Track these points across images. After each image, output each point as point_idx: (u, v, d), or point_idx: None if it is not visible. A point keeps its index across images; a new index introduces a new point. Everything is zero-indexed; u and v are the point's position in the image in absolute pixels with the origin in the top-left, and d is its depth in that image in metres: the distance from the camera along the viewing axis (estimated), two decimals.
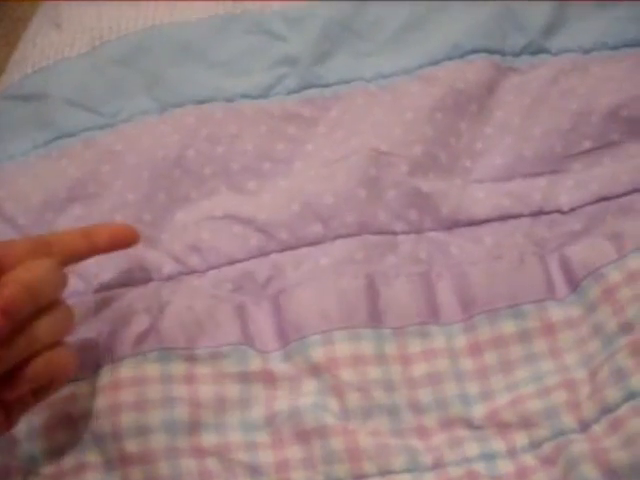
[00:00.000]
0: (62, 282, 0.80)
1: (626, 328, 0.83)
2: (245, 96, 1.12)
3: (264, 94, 1.12)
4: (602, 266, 0.88)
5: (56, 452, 0.85)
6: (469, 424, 0.84)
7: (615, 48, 1.11)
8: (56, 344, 0.77)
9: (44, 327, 0.75)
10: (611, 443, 0.76)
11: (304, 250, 0.96)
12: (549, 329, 0.87)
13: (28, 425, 0.87)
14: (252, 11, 1.22)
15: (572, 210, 0.97)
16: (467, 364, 0.87)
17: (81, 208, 1.05)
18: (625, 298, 0.85)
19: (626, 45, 1.11)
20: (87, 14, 1.30)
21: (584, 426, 0.80)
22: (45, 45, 1.29)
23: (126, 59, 1.20)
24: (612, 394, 0.79)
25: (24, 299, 0.72)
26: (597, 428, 0.79)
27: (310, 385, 0.86)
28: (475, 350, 0.88)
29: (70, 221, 1.04)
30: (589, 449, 0.77)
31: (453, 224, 0.97)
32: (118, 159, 1.07)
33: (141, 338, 0.89)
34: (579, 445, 0.78)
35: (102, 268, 0.99)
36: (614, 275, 0.87)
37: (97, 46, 1.24)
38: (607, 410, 0.79)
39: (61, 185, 1.07)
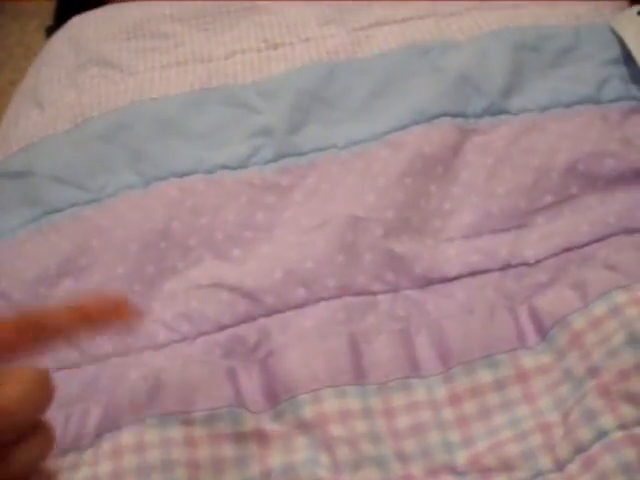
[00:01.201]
0: (48, 399, 0.71)
1: (593, 372, 0.89)
2: (225, 167, 1.18)
3: (243, 165, 1.18)
4: (568, 314, 0.94)
5: None
6: (453, 470, 0.89)
7: (568, 105, 1.19)
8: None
9: (21, 457, 0.68)
10: None
11: (289, 313, 1.02)
12: (522, 376, 0.93)
13: None
14: (226, 84, 1.29)
15: (538, 262, 1.03)
16: (448, 413, 0.93)
17: (73, 281, 1.10)
18: (591, 343, 0.91)
19: (578, 102, 1.20)
20: (67, 92, 1.36)
21: (560, 466, 0.85)
22: (28, 124, 1.34)
23: (108, 135, 1.26)
24: (584, 434, 0.85)
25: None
26: (572, 467, 0.84)
27: (301, 441, 0.91)
28: (455, 400, 0.93)
29: (63, 294, 1.09)
30: None
31: (427, 282, 1.04)
32: (106, 233, 1.12)
33: (140, 406, 0.94)
34: None
35: (97, 339, 1.03)
36: (580, 322, 0.93)
37: (79, 123, 1.29)
38: (580, 449, 0.85)
39: (52, 260, 1.12)
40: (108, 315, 0.89)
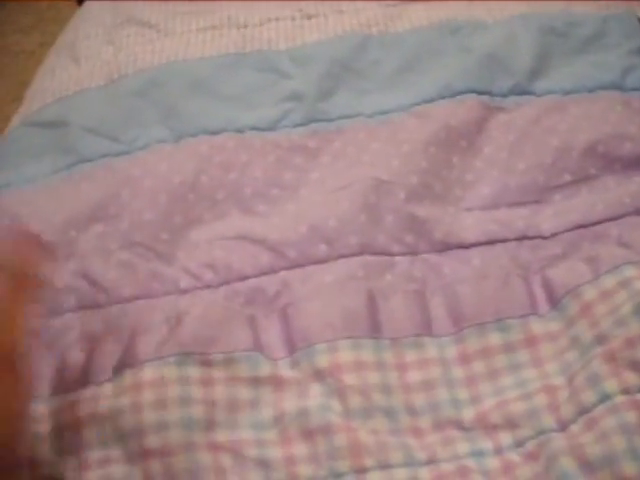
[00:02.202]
0: None
1: (601, 339, 0.92)
2: (254, 128, 1.22)
3: (272, 127, 1.22)
4: (579, 285, 0.98)
5: (81, 447, 0.93)
6: (459, 425, 0.92)
7: (592, 90, 1.23)
8: None
9: None
10: (587, 439, 0.85)
11: (310, 268, 1.05)
12: (531, 341, 0.96)
13: (54, 422, 0.94)
14: (260, 50, 1.33)
15: (553, 236, 1.07)
16: (457, 372, 0.96)
17: (102, 227, 1.13)
18: (600, 313, 0.94)
19: (602, 88, 1.23)
20: (104, 49, 1.40)
21: (563, 426, 0.89)
22: (64, 77, 1.38)
23: (142, 91, 1.30)
24: (588, 397, 0.88)
25: None
26: (574, 427, 0.88)
27: (316, 388, 0.94)
28: (464, 360, 0.96)
29: (92, 238, 1.12)
30: (567, 445, 0.86)
31: (445, 247, 1.07)
32: (136, 183, 1.16)
33: (160, 344, 0.97)
34: (558, 442, 0.86)
35: (122, 282, 1.07)
36: (590, 293, 0.96)
37: (115, 79, 1.33)
38: (583, 411, 0.88)
39: (83, 206, 1.15)
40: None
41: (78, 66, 1.40)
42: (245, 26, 1.38)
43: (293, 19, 1.38)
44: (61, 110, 1.31)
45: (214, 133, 1.21)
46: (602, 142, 1.13)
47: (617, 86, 1.23)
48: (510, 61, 1.25)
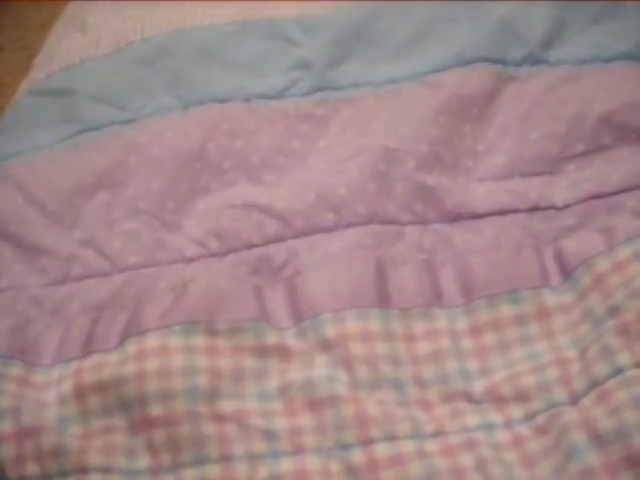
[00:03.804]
0: None
1: (614, 312, 0.90)
2: (262, 96, 1.20)
3: (280, 95, 1.20)
4: (593, 256, 0.96)
5: (85, 415, 0.92)
6: (469, 398, 0.91)
7: (607, 61, 1.20)
8: None
9: None
10: (598, 413, 0.83)
11: (318, 236, 1.04)
12: (543, 313, 0.95)
13: (58, 391, 0.93)
14: (269, 17, 1.30)
15: (566, 207, 1.04)
16: (467, 344, 0.94)
17: (108, 195, 1.12)
18: (614, 285, 0.92)
19: (617, 58, 1.20)
20: (111, 17, 1.38)
21: (574, 399, 0.87)
22: (71, 46, 1.36)
23: (150, 59, 1.28)
24: (600, 370, 0.86)
25: None
26: (586, 400, 0.86)
27: (322, 359, 0.92)
28: (475, 331, 0.95)
29: (97, 207, 1.11)
30: (578, 418, 0.84)
31: (456, 217, 1.05)
32: (143, 150, 1.15)
33: (166, 313, 0.96)
34: (569, 415, 0.85)
35: (128, 250, 1.06)
36: (604, 264, 0.94)
37: (122, 47, 1.32)
38: (595, 384, 0.86)
39: (89, 173, 1.14)
40: None
41: (84, 35, 1.38)
42: None
43: None
44: (67, 78, 1.30)
45: (222, 101, 1.20)
46: (617, 112, 1.10)
47: (633, 56, 1.20)
48: (524, 29, 1.22)
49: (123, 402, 0.91)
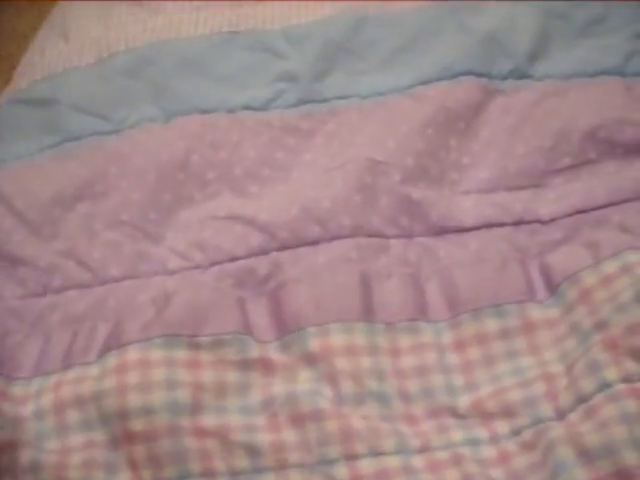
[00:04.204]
0: None
1: (600, 326, 0.89)
2: (247, 108, 1.19)
3: (265, 107, 1.19)
4: (579, 271, 0.95)
5: (64, 430, 0.90)
6: (454, 413, 0.90)
7: (593, 75, 1.19)
8: None
9: None
10: (585, 428, 0.82)
11: (302, 249, 1.02)
12: (529, 328, 0.94)
13: (36, 404, 0.92)
14: (254, 29, 1.29)
15: (552, 221, 1.04)
16: (453, 358, 0.93)
17: (89, 206, 1.10)
18: (600, 300, 0.92)
19: (603, 73, 1.20)
20: (94, 27, 1.37)
21: (561, 414, 0.86)
22: (53, 55, 1.35)
23: (133, 70, 1.26)
24: (587, 385, 0.86)
25: None
26: (573, 416, 0.85)
27: (306, 373, 0.91)
28: (460, 345, 0.94)
29: (78, 217, 1.10)
30: (565, 434, 0.83)
31: (441, 230, 1.04)
32: (125, 161, 1.13)
33: (147, 325, 0.94)
34: (556, 431, 0.84)
35: (109, 262, 1.04)
36: (590, 279, 0.94)
37: (105, 57, 1.30)
38: (582, 399, 0.85)
39: (70, 184, 1.12)
40: None
41: (67, 44, 1.36)
42: (240, 5, 1.35)
43: None
44: (50, 88, 1.28)
45: (206, 112, 1.18)
46: (603, 127, 1.10)
47: (619, 71, 1.20)
48: (510, 43, 1.22)
49: (103, 416, 0.89)
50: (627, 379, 0.85)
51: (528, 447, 0.85)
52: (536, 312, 0.95)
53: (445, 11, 1.27)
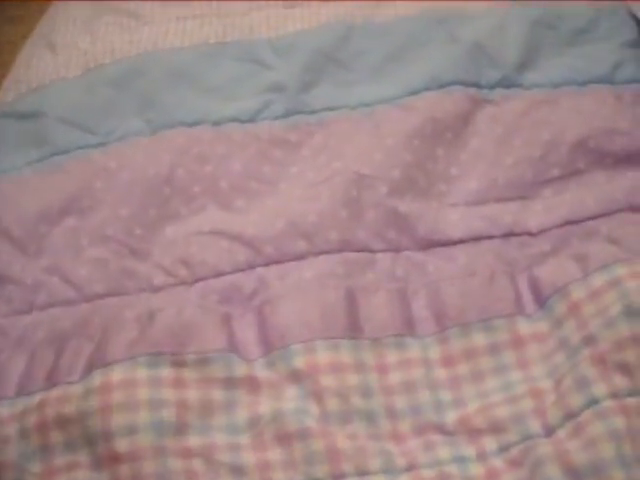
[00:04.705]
0: None
1: (589, 341, 0.88)
2: (233, 120, 1.18)
3: (252, 119, 1.18)
4: (568, 284, 0.94)
5: (48, 451, 0.89)
6: (442, 430, 0.89)
7: (582, 84, 1.19)
8: None
9: None
10: (573, 446, 0.82)
11: (288, 265, 1.02)
12: (518, 342, 0.93)
13: (20, 424, 0.91)
14: (242, 40, 1.28)
15: (541, 232, 1.03)
16: (440, 374, 0.92)
17: (75, 221, 1.10)
18: (589, 314, 0.91)
19: (592, 82, 1.19)
20: (82, 38, 1.36)
21: (549, 431, 0.85)
22: (40, 67, 1.34)
23: (120, 82, 1.25)
24: (575, 401, 0.85)
25: None
26: (561, 432, 0.84)
27: (292, 390, 0.90)
28: (448, 361, 0.93)
29: (64, 233, 1.09)
30: (553, 451, 0.82)
31: (429, 244, 1.03)
32: (111, 176, 1.12)
33: (131, 344, 0.94)
34: (544, 448, 0.83)
35: (94, 278, 1.04)
36: (579, 292, 0.93)
37: (92, 68, 1.29)
38: (570, 416, 0.84)
39: (55, 199, 1.12)
40: None
41: (55, 55, 1.35)
42: (227, 15, 1.34)
43: (276, 8, 1.33)
44: (36, 100, 1.27)
45: (191, 125, 1.17)
46: (592, 137, 1.10)
47: (608, 80, 1.19)
48: (498, 52, 1.21)
49: (87, 437, 0.88)
50: (615, 395, 0.84)
51: (516, 464, 0.84)
52: (525, 326, 0.94)
53: (433, 21, 1.26)
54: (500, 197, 1.07)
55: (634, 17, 1.27)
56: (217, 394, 0.91)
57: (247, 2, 1.35)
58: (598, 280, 0.93)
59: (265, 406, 0.90)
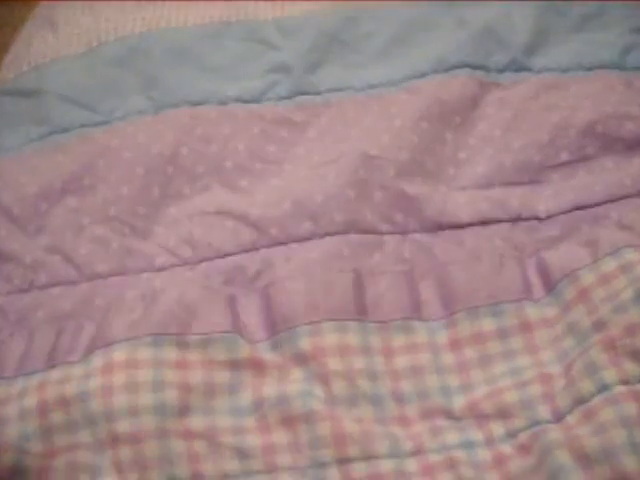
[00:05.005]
0: None
1: (599, 326, 0.87)
2: (238, 100, 1.16)
3: (257, 99, 1.16)
4: (577, 269, 0.93)
5: (48, 432, 0.87)
6: (449, 414, 0.87)
7: (590, 69, 1.17)
8: None
9: None
10: (584, 431, 0.80)
11: (294, 246, 1.00)
12: (526, 327, 0.92)
13: (19, 406, 0.89)
14: (247, 19, 1.27)
15: (549, 217, 1.02)
16: (448, 358, 0.91)
17: (76, 200, 1.08)
18: (598, 298, 0.89)
19: (600, 67, 1.17)
20: (84, 16, 1.34)
21: (558, 416, 0.84)
22: (41, 45, 1.32)
23: (123, 60, 1.24)
24: (585, 386, 0.84)
25: None
26: (570, 418, 0.83)
27: (297, 373, 0.89)
28: (456, 345, 0.92)
29: (65, 212, 1.07)
30: (563, 437, 0.81)
31: (436, 227, 1.02)
32: (113, 154, 1.10)
33: (134, 324, 0.92)
34: (553, 434, 0.82)
35: (96, 257, 1.02)
36: (588, 277, 0.92)
37: (94, 47, 1.27)
38: (580, 401, 0.83)
39: (56, 177, 1.10)
40: None
41: (56, 34, 1.33)
42: None
43: None
44: (37, 78, 1.26)
45: (196, 104, 1.16)
46: (601, 122, 1.08)
47: (617, 65, 1.18)
48: (506, 36, 1.19)
49: (88, 418, 0.87)
50: (626, 381, 0.83)
51: (524, 450, 0.83)
52: (533, 311, 0.93)
53: (440, 5, 1.25)
54: (508, 181, 1.05)
55: None
56: (221, 376, 0.90)
57: None
58: (608, 265, 0.92)
59: (270, 388, 0.88)
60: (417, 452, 0.84)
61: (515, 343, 0.91)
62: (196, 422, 0.86)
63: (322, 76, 1.18)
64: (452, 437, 0.86)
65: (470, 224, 1.02)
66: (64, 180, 1.09)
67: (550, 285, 0.94)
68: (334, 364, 0.88)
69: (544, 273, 0.95)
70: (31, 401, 0.89)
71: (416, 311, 0.94)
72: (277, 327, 0.92)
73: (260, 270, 0.98)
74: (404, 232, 1.01)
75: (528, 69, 1.18)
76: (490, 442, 0.85)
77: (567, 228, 1.00)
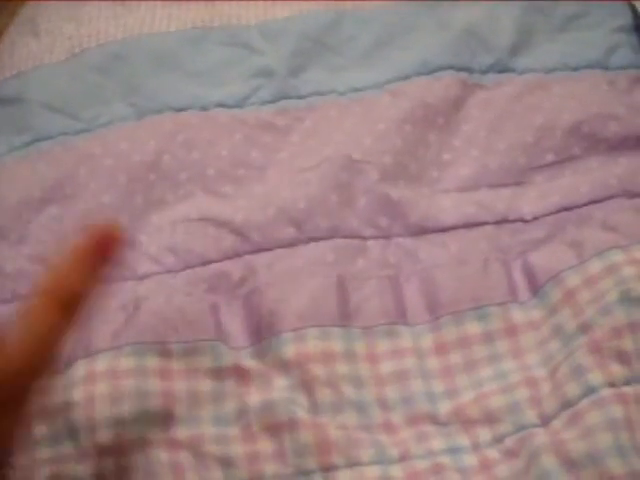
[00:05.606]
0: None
1: (585, 328, 0.87)
2: (221, 105, 1.15)
3: (239, 104, 1.15)
4: (563, 271, 0.92)
5: (30, 443, 0.86)
6: (435, 420, 0.87)
7: (576, 69, 1.17)
8: None
9: None
10: (570, 435, 0.80)
11: (277, 252, 0.99)
12: (511, 330, 0.91)
13: None
14: (229, 24, 1.26)
15: (535, 219, 1.01)
16: (433, 363, 0.90)
17: (57, 209, 1.07)
18: (584, 300, 0.89)
19: (585, 67, 1.17)
20: (66, 23, 1.32)
21: (545, 421, 0.83)
22: (23, 52, 1.31)
23: (105, 67, 1.22)
24: (571, 390, 0.83)
25: None
26: (557, 422, 0.82)
27: (281, 380, 0.88)
28: (441, 350, 0.91)
29: (47, 221, 1.06)
30: (549, 442, 0.80)
31: (420, 230, 1.01)
32: (95, 162, 1.09)
33: (116, 333, 0.91)
34: (540, 438, 0.81)
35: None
36: (574, 279, 0.91)
37: (76, 53, 1.26)
38: (567, 405, 0.83)
39: (38, 186, 1.09)
40: (105, 249, 0.77)
41: (38, 41, 1.32)
42: (213, 3, 1.31)
43: None
44: (18, 86, 1.24)
45: (178, 110, 1.14)
46: (586, 122, 1.07)
47: (602, 65, 1.17)
48: (490, 37, 1.19)
49: (71, 429, 0.86)
50: (612, 384, 0.82)
51: (511, 455, 0.83)
52: (518, 314, 0.92)
53: (423, 7, 1.24)
54: (493, 183, 1.05)
55: (628, 2, 1.25)
56: (205, 384, 0.89)
57: None
58: (594, 267, 0.91)
59: (254, 396, 0.88)
60: (403, 458, 0.84)
61: (501, 347, 0.90)
62: (180, 432, 0.86)
63: (305, 80, 1.17)
64: (438, 443, 0.85)
65: (455, 227, 1.01)
66: (45, 189, 1.08)
67: (536, 287, 0.94)
68: (318, 371, 0.88)
69: (530, 275, 0.95)
70: None
71: (401, 316, 0.93)
72: (260, 334, 0.92)
73: (244, 277, 0.97)
74: (388, 236, 1.00)
75: (512, 70, 1.17)
76: (476, 447, 0.84)
77: (553, 229, 1.00)
